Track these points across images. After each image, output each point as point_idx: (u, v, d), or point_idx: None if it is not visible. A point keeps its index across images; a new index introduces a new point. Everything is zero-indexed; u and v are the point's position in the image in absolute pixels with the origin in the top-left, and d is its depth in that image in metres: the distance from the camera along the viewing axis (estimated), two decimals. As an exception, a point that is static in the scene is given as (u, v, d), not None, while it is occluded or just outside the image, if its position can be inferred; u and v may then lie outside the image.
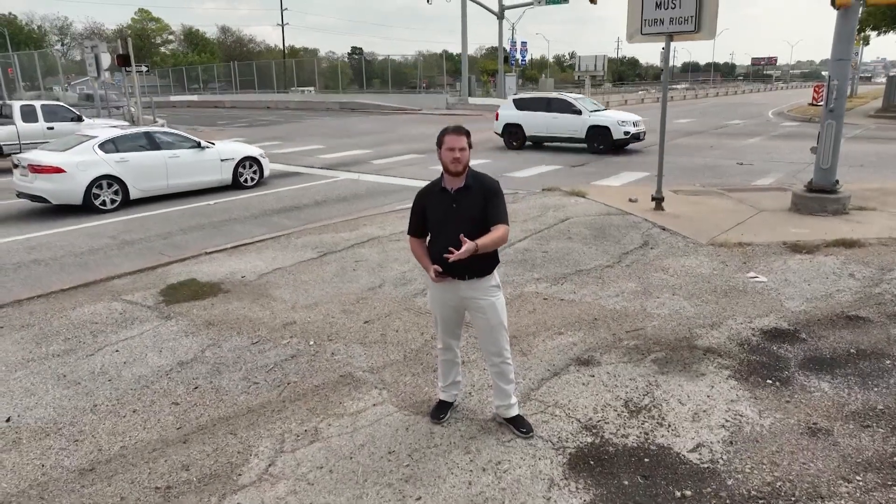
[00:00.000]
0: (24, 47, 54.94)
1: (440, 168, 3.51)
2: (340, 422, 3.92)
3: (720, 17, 8.46)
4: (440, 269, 3.42)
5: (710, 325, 5.24)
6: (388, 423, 3.89)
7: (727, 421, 3.80)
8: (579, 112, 17.63)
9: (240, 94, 54.06)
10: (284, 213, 10.71)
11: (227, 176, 12.63)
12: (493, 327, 3.59)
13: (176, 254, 8.07)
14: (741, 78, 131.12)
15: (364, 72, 56.76)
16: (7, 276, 7.37)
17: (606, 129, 17.16)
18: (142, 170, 11.26)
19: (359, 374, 4.55)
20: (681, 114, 32.70)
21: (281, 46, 74.46)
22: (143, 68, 42.34)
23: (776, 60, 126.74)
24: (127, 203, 11.07)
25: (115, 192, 10.91)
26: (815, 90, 33.09)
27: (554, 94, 19.67)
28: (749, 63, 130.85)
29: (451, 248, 3.19)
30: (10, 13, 70.65)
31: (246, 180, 12.97)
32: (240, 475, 3.43)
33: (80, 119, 18.14)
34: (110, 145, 11.04)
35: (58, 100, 24.78)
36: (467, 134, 3.47)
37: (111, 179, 10.83)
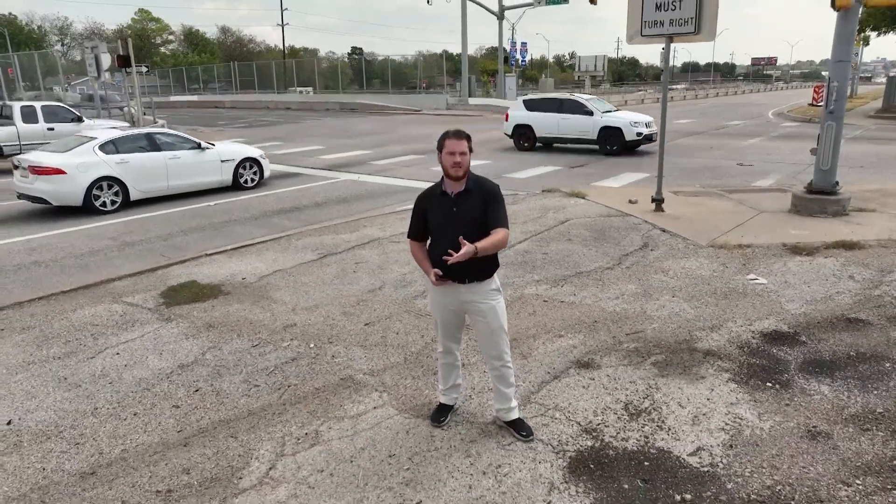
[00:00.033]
0: (25, 47, 54.94)
1: (440, 169, 3.51)
2: (341, 425, 3.93)
3: (720, 17, 8.47)
4: (440, 273, 3.43)
5: (710, 328, 5.25)
6: (388, 426, 3.90)
7: (727, 424, 3.80)
8: (591, 113, 17.42)
9: (240, 94, 54.05)
10: (285, 214, 10.71)
11: (227, 177, 12.64)
12: (494, 331, 3.60)
13: (176, 255, 8.08)
14: (741, 78, 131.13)
15: (364, 72, 56.77)
16: (8, 277, 7.38)
17: (619, 130, 16.97)
18: (142, 171, 11.27)
19: (359, 377, 4.55)
20: (681, 114, 32.69)
21: (281, 46, 74.51)
22: (143, 69, 42.33)
23: (776, 60, 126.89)
24: (127, 204, 11.08)
25: (116, 194, 10.92)
26: (815, 90, 33.11)
27: (565, 95, 19.45)
28: (749, 63, 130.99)
29: (450, 251, 3.20)
30: (10, 13, 70.73)
31: (246, 181, 12.98)
32: (240, 478, 3.43)
33: (80, 120, 18.15)
34: (111, 146, 11.04)
35: (60, 100, 24.77)
36: (468, 138, 3.48)
37: (111, 181, 10.84)
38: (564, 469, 3.41)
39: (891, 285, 6.06)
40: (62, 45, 74.81)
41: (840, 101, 8.82)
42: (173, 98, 54.56)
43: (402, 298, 6.16)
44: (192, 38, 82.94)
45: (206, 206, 11.30)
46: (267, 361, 4.84)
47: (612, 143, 17.08)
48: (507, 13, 41.14)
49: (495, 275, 3.61)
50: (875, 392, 4.14)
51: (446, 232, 3.43)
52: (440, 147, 3.45)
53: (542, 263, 7.13)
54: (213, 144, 12.77)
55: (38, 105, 18.18)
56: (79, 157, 10.62)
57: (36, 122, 17.46)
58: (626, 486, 3.26)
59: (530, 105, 18.78)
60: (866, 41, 39.46)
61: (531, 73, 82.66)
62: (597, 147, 17.39)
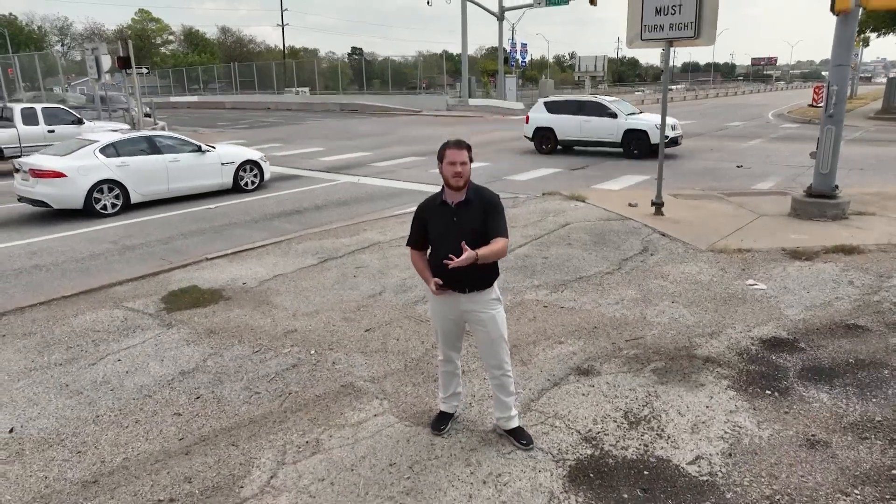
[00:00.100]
0: (25, 48, 54.96)
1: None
2: (342, 433, 3.94)
3: (720, 17, 8.48)
4: (440, 283, 3.46)
5: (710, 334, 5.27)
6: (388, 434, 3.92)
7: (726, 432, 3.82)
8: (615, 115, 17.04)
9: (240, 94, 54.08)
10: (285, 217, 10.73)
11: (227, 180, 12.66)
12: (494, 340, 3.62)
13: (177, 259, 8.10)
14: (741, 78, 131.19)
15: (364, 72, 56.81)
16: (9, 281, 7.40)
17: (644, 133, 16.48)
18: (142, 174, 11.29)
19: (360, 384, 4.57)
20: (680, 115, 32.61)
21: (281, 47, 74.55)
22: (144, 70, 42.35)
23: (776, 60, 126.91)
24: (128, 207, 11.09)
25: (116, 197, 10.94)
26: (815, 91, 33.14)
27: (587, 97, 19.04)
28: (749, 63, 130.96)
29: (451, 255, 3.22)
30: (10, 13, 70.77)
31: (246, 184, 13.00)
32: (242, 487, 3.45)
33: (80, 122, 18.16)
34: (111, 149, 11.06)
35: (63, 101, 24.77)
36: (468, 148, 3.49)
37: (112, 184, 10.86)
38: (564, 478, 3.43)
39: (890, 291, 6.08)
40: (62, 45, 74.86)
41: (840, 105, 8.84)
42: (173, 99, 54.60)
43: (402, 304, 6.17)
44: (192, 38, 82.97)
45: (207, 209, 11.32)
46: (268, 368, 4.86)
47: (637, 147, 16.59)
48: (507, 14, 41.19)
49: (495, 284, 3.62)
50: (874, 400, 4.16)
51: (447, 242, 3.44)
52: (440, 157, 3.47)
53: (542, 268, 7.14)
54: (214, 147, 12.79)
55: (38, 107, 18.20)
56: (79, 161, 10.64)
57: (36, 124, 17.47)
58: (625, 496, 3.27)
59: (551, 107, 18.36)
60: (866, 42, 39.46)
61: (531, 73, 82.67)
62: (621, 150, 16.98)
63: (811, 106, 32.56)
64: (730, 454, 3.60)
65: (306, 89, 52.65)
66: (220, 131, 28.20)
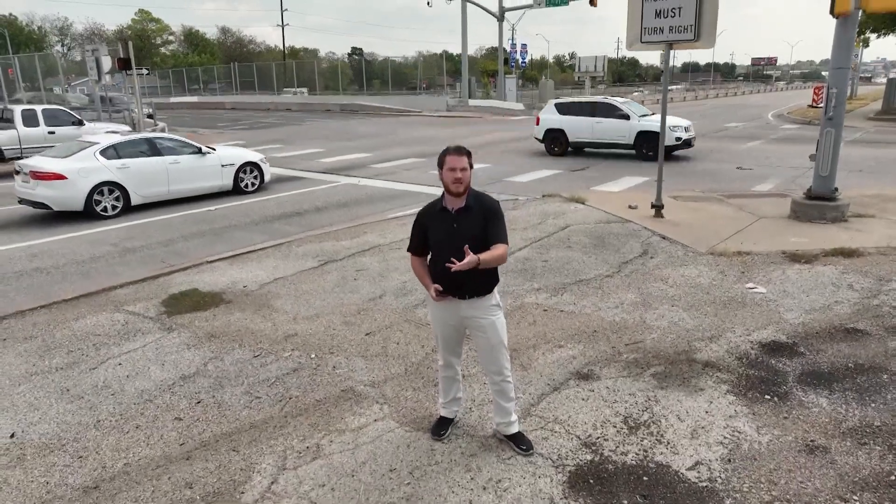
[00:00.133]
0: (25, 48, 54.96)
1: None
2: (342, 438, 3.95)
3: (720, 17, 8.49)
4: (440, 289, 3.47)
5: (709, 338, 5.28)
6: (389, 439, 3.93)
7: (725, 438, 3.83)
8: (627, 117, 16.87)
9: (240, 95, 54.07)
10: (285, 219, 10.74)
11: (227, 181, 12.67)
12: (494, 346, 3.63)
13: (177, 262, 8.11)
14: (741, 78, 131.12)
15: (364, 72, 56.82)
16: (9, 284, 7.41)
17: (657, 134, 16.40)
18: (143, 176, 11.30)
19: (360, 389, 4.58)
20: (680, 116, 32.65)
21: (281, 47, 74.56)
22: (144, 71, 42.37)
23: (776, 61, 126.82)
24: (128, 209, 11.11)
25: (117, 199, 10.95)
26: (814, 91, 33.14)
27: (599, 98, 18.88)
28: (749, 63, 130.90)
29: (453, 259, 3.23)
30: (10, 14, 70.76)
31: (247, 185, 13.01)
32: (242, 493, 3.46)
33: (80, 123, 18.17)
34: (111, 151, 11.08)
35: (65, 101, 24.79)
36: (468, 154, 3.51)
37: (112, 186, 10.88)
38: (564, 484, 3.44)
39: (889, 295, 6.09)
40: (62, 45, 74.88)
41: (839, 108, 8.84)
42: (173, 99, 54.58)
43: (402, 307, 6.19)
44: (192, 38, 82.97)
45: (207, 211, 11.33)
46: (268, 372, 4.87)
47: (650, 149, 16.08)
48: (507, 14, 41.19)
49: (495, 290, 3.64)
50: (872, 405, 4.17)
51: (447, 248, 3.45)
52: (441, 164, 3.48)
53: (542, 271, 7.15)
54: (214, 149, 12.81)
55: (38, 108, 18.22)
56: (80, 163, 10.65)
57: (37, 125, 17.49)
58: (625, 502, 3.28)
59: (562, 108, 18.18)
60: (866, 43, 39.49)
61: (531, 73, 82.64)
62: (633, 152, 16.78)
63: (811, 106, 32.57)
64: (729, 460, 3.61)
65: (304, 90, 52.63)
66: (220, 132, 28.22)
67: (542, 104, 37.52)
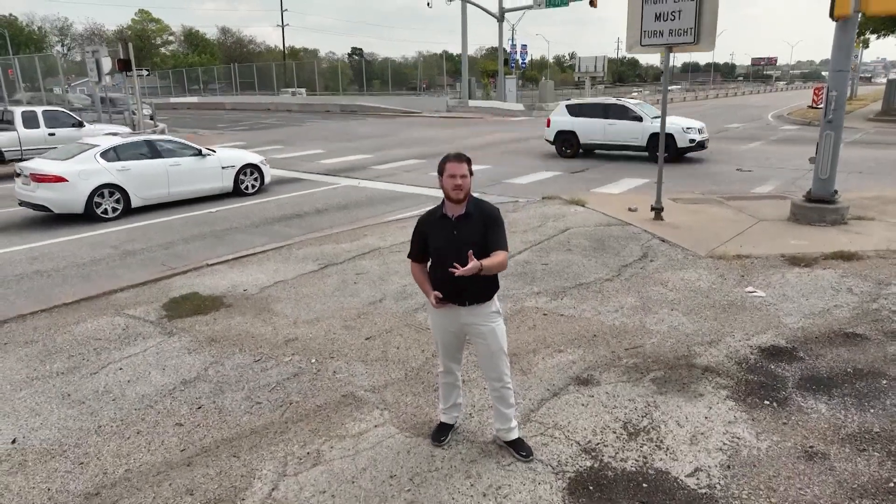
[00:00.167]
0: (25, 48, 54.99)
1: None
2: (342, 444, 3.96)
3: (719, 18, 8.50)
4: (440, 296, 3.48)
5: (709, 343, 5.29)
6: (389, 445, 3.94)
7: (725, 444, 3.84)
8: (640, 118, 16.68)
9: (240, 95, 54.08)
10: (285, 221, 10.75)
11: (228, 183, 12.68)
12: (494, 353, 3.64)
13: (178, 264, 8.12)
14: (741, 78, 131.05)
15: (364, 73, 56.85)
16: (10, 287, 7.42)
17: (671, 136, 15.68)
18: (143, 178, 11.32)
19: (360, 394, 4.59)
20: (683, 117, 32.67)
21: (281, 47, 74.57)
22: (144, 72, 42.35)
23: (776, 61, 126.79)
24: (128, 211, 11.12)
25: (117, 201, 10.97)
26: (814, 92, 33.16)
27: (611, 100, 18.63)
28: (749, 63, 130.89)
29: (455, 265, 3.23)
30: (10, 14, 70.76)
31: (247, 187, 13.02)
32: (243, 500, 3.47)
33: (81, 125, 18.19)
34: (112, 154, 11.10)
35: (66, 102, 24.78)
36: (468, 161, 3.52)
37: (113, 188, 10.89)
38: (564, 491, 3.45)
39: (888, 299, 6.10)
40: (62, 45, 74.86)
41: (839, 111, 8.86)
42: (173, 100, 54.58)
43: (402, 311, 6.20)
44: (192, 38, 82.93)
45: (208, 213, 11.34)
46: (269, 377, 4.88)
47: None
48: (507, 15, 41.21)
49: (495, 297, 3.65)
50: (872, 410, 4.18)
51: (447, 255, 3.46)
52: (441, 171, 3.49)
53: (541, 275, 7.16)
54: (214, 151, 12.82)
55: (39, 110, 18.23)
56: (80, 165, 10.67)
57: (37, 127, 17.50)
58: (624, 509, 3.29)
59: (574, 110, 18.01)
60: (866, 44, 39.51)
61: (531, 73, 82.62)
62: (646, 154, 16.54)
63: (811, 107, 32.60)
64: (728, 466, 3.62)
65: (303, 90, 52.61)
66: (220, 133, 28.23)
67: (542, 105, 37.68)
